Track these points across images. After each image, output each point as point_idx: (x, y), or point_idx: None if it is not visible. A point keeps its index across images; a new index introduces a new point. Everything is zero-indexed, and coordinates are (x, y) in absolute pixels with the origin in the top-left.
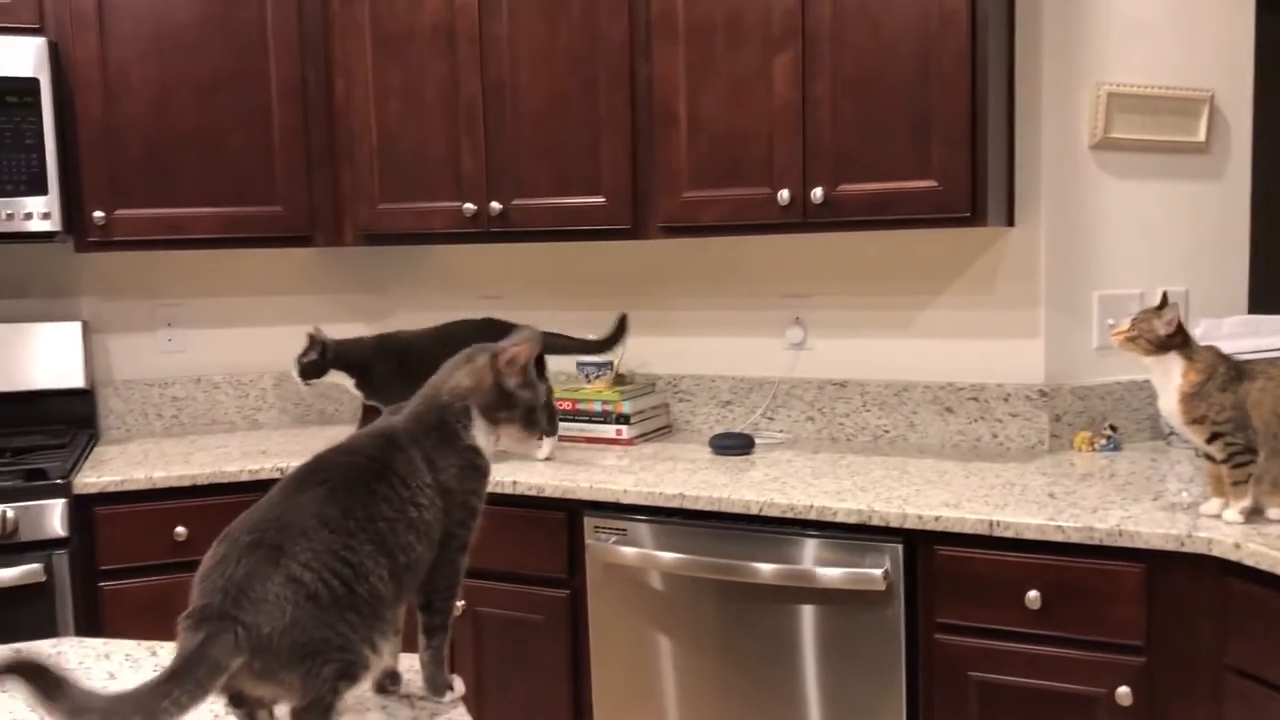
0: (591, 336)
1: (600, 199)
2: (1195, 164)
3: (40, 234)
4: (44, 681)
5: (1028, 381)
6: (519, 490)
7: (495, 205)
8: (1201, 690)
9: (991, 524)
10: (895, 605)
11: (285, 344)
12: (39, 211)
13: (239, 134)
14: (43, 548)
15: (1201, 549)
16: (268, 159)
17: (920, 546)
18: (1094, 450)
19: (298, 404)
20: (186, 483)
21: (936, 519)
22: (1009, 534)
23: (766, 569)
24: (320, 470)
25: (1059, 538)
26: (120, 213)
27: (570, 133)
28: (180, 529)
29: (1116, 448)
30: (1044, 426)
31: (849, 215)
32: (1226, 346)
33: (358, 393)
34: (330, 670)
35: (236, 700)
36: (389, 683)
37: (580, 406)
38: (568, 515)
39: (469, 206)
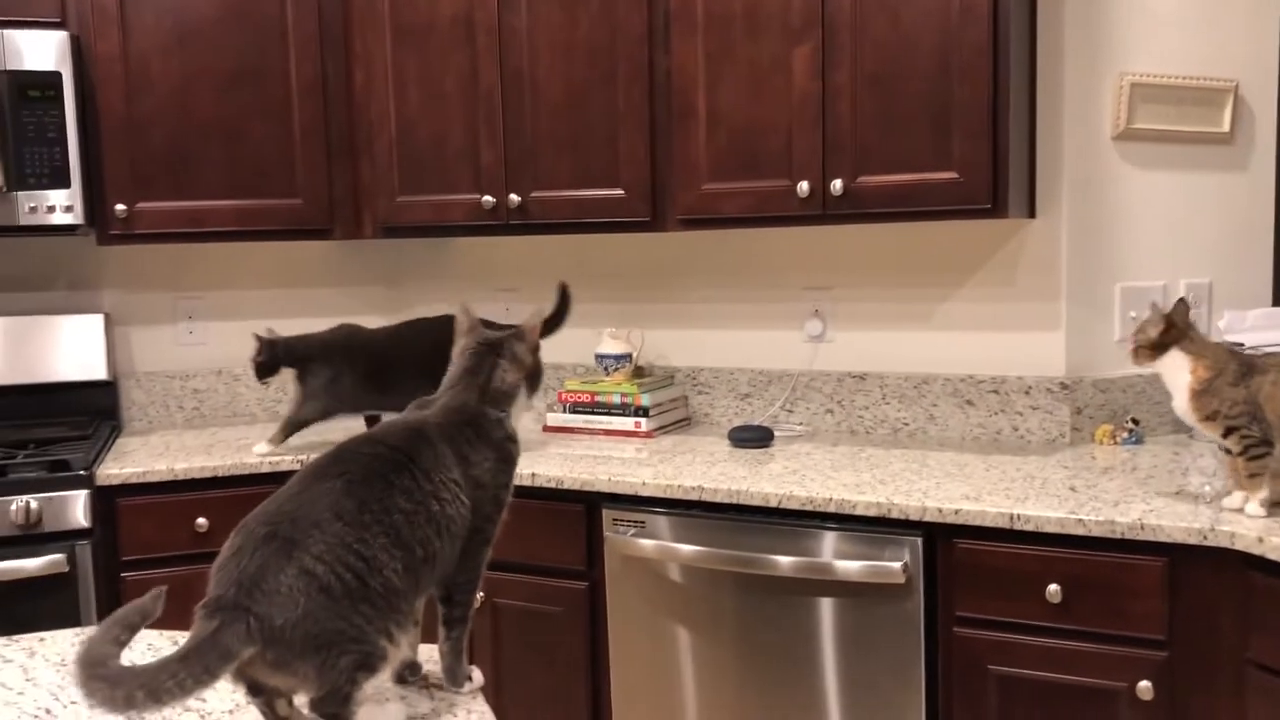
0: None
1: (619, 191)
2: (1219, 155)
3: (63, 227)
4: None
5: (1049, 374)
6: (538, 482)
7: (514, 197)
8: (1223, 685)
9: (1012, 517)
10: (914, 598)
11: None
12: (61, 205)
13: (259, 127)
14: (66, 538)
15: (1224, 543)
16: (287, 152)
17: (940, 540)
18: (1116, 443)
19: None
20: (208, 474)
21: (956, 512)
22: (1029, 527)
23: (785, 561)
24: (340, 461)
25: (1080, 531)
26: (141, 205)
27: (589, 125)
28: (201, 520)
29: (1138, 441)
30: (1065, 419)
31: (869, 207)
32: (1251, 339)
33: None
34: (347, 661)
35: (255, 689)
36: (408, 673)
37: (599, 399)
38: (586, 507)
39: (488, 199)
